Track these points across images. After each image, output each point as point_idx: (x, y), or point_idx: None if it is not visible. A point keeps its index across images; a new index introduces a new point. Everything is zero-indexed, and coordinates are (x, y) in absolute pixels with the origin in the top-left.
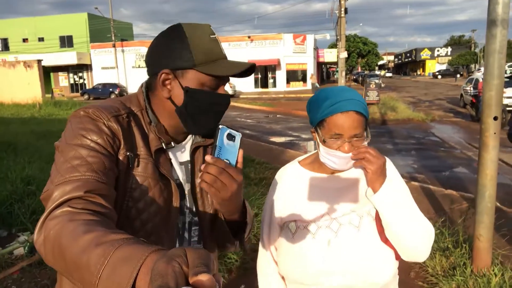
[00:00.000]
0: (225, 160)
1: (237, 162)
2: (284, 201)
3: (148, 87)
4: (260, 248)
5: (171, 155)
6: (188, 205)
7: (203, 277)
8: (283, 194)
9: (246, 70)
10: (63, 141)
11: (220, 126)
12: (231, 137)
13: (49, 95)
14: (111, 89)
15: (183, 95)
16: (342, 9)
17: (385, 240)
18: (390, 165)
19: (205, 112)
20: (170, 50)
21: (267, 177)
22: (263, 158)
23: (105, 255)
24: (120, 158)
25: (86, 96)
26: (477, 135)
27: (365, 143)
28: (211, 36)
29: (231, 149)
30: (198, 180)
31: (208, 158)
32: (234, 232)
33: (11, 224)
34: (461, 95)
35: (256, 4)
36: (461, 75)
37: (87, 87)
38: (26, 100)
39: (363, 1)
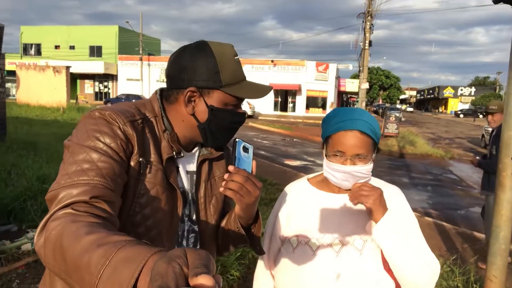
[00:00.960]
0: (244, 169)
1: (252, 171)
2: (289, 216)
3: (165, 96)
4: (259, 261)
5: (178, 163)
6: (188, 213)
7: (203, 278)
8: (289, 208)
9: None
10: (75, 141)
11: (236, 139)
12: (245, 149)
13: (74, 101)
14: (133, 100)
15: (207, 113)
16: (367, 41)
17: (388, 269)
18: (399, 196)
19: (225, 129)
20: (199, 69)
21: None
22: (275, 179)
23: (107, 255)
24: (132, 163)
25: (109, 105)
26: None
27: (369, 165)
28: (235, 58)
29: (246, 160)
30: (202, 190)
31: (231, 168)
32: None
33: (23, 220)
34: (483, 135)
35: (282, 30)
36: (484, 115)
37: (111, 96)
38: (51, 104)
39: (388, 35)
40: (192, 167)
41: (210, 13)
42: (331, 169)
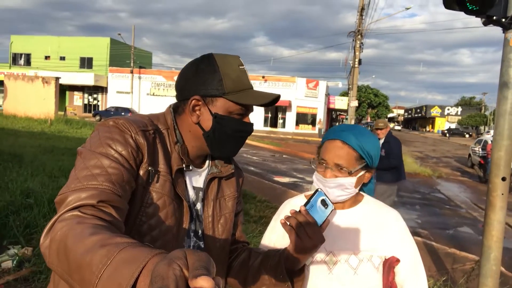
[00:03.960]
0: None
1: (321, 226)
2: (284, 231)
3: (174, 109)
4: None
5: (186, 177)
6: (194, 229)
7: (203, 280)
8: None
9: (271, 100)
10: (87, 147)
11: (318, 190)
12: (324, 204)
13: (62, 113)
14: (123, 113)
15: (211, 120)
16: (356, 60)
17: None
18: (399, 222)
19: (230, 138)
20: (202, 78)
21: (267, 216)
22: (265, 196)
23: (109, 255)
24: (141, 172)
25: (98, 117)
26: (484, 196)
27: (349, 178)
28: (240, 67)
29: (321, 212)
30: (210, 209)
31: (302, 208)
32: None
33: (4, 236)
34: (469, 155)
35: (273, 47)
36: (470, 135)
37: (100, 109)
38: (39, 115)
39: (377, 54)
40: (200, 183)
41: (202, 28)
42: (316, 179)
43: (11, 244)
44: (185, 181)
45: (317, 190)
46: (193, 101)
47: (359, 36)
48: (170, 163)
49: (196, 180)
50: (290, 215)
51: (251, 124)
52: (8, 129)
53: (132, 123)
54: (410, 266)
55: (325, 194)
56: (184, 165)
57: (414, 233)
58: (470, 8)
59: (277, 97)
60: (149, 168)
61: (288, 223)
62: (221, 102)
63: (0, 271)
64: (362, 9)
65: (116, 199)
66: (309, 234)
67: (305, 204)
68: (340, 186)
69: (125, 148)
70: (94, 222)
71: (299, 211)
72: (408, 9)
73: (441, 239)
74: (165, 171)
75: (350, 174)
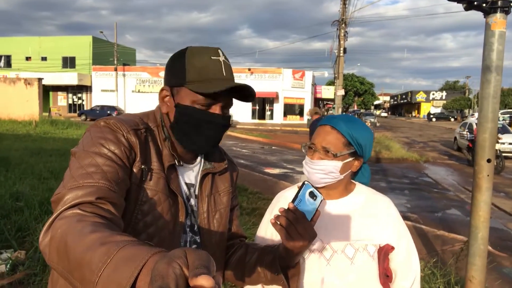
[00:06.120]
0: (302, 212)
1: (312, 219)
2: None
3: None
4: None
5: (179, 173)
6: (189, 224)
7: (203, 279)
8: None
9: (246, 94)
10: (81, 148)
11: (305, 182)
12: (313, 195)
13: (46, 114)
14: (109, 112)
15: (174, 111)
16: (341, 48)
17: (384, 283)
18: (391, 208)
19: (195, 129)
20: (172, 70)
21: (260, 207)
22: (256, 188)
23: (109, 254)
24: (134, 170)
25: (83, 117)
26: (471, 178)
27: (334, 162)
28: (212, 57)
29: (310, 205)
30: (205, 205)
31: (290, 205)
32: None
33: None
34: (455, 138)
35: (257, 39)
36: (455, 119)
37: (85, 108)
38: (23, 117)
39: (361, 42)
40: (192, 179)
41: (186, 22)
42: (304, 162)
43: (3, 248)
44: (178, 177)
45: (304, 183)
46: (163, 92)
47: (343, 25)
48: (162, 160)
49: (188, 175)
50: (279, 213)
51: (217, 116)
52: None
53: (123, 122)
54: (403, 252)
55: (312, 185)
56: (176, 161)
57: (404, 217)
58: None
59: (246, 87)
60: (142, 167)
61: (278, 223)
62: (184, 92)
63: None
64: None
65: (113, 196)
66: (300, 231)
67: (293, 200)
68: (325, 169)
69: (118, 147)
70: (94, 220)
71: (288, 208)
72: None
73: (430, 222)
74: (158, 169)
75: (335, 157)
